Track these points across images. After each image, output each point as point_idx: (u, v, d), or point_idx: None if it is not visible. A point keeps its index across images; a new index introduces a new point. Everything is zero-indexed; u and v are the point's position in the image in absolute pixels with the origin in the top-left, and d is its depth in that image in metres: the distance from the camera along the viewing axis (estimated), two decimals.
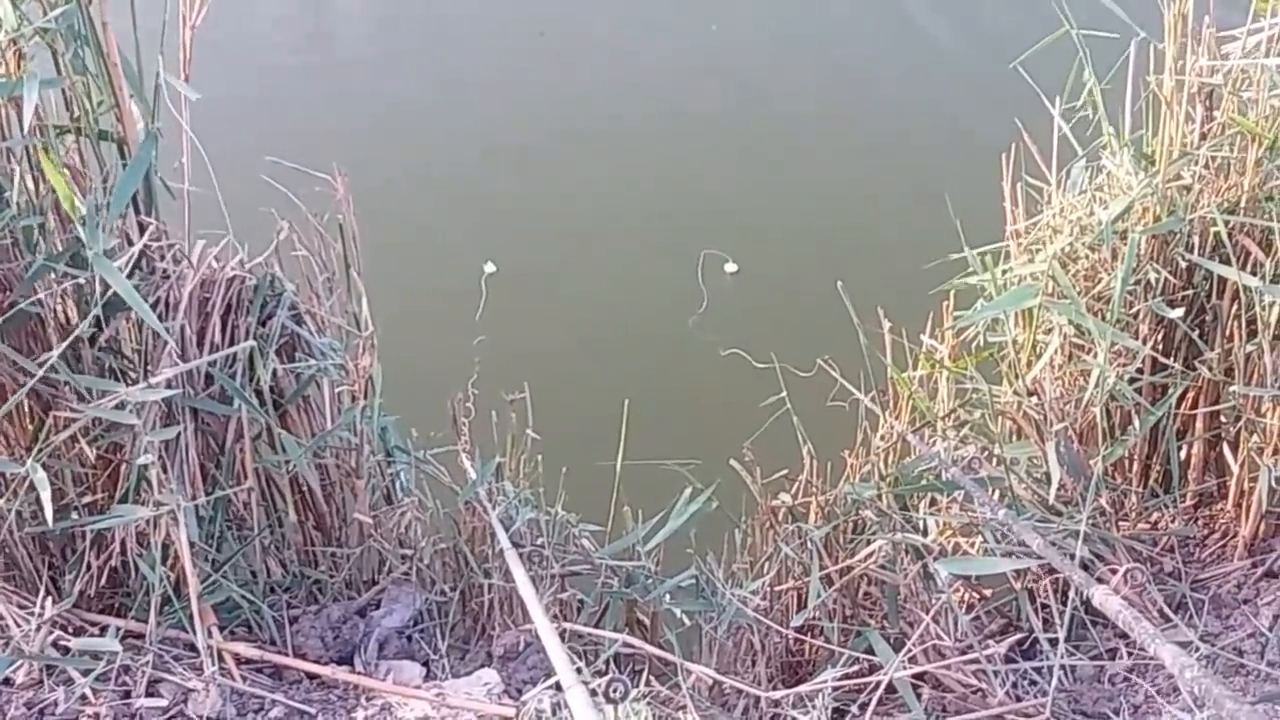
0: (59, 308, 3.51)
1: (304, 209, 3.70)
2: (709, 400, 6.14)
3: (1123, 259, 3.80)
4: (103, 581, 3.62)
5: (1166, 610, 3.84)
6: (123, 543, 3.50)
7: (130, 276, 3.28)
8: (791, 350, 4.24)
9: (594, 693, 2.95)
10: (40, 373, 3.26)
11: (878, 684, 3.35)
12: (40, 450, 3.33)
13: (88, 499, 3.64)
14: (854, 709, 3.53)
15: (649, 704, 2.99)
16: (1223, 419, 4.21)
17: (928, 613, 3.76)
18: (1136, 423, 4.08)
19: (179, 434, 3.50)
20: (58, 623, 3.48)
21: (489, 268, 6.95)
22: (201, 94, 3.45)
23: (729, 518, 4.20)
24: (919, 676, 3.73)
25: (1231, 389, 3.98)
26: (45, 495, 3.19)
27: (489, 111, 8.14)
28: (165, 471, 3.45)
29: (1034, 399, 3.99)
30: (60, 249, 3.39)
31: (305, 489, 3.92)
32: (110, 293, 3.25)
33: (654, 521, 4.03)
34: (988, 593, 4.20)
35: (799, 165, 7.74)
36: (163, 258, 3.49)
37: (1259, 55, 3.89)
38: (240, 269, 3.59)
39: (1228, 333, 4.00)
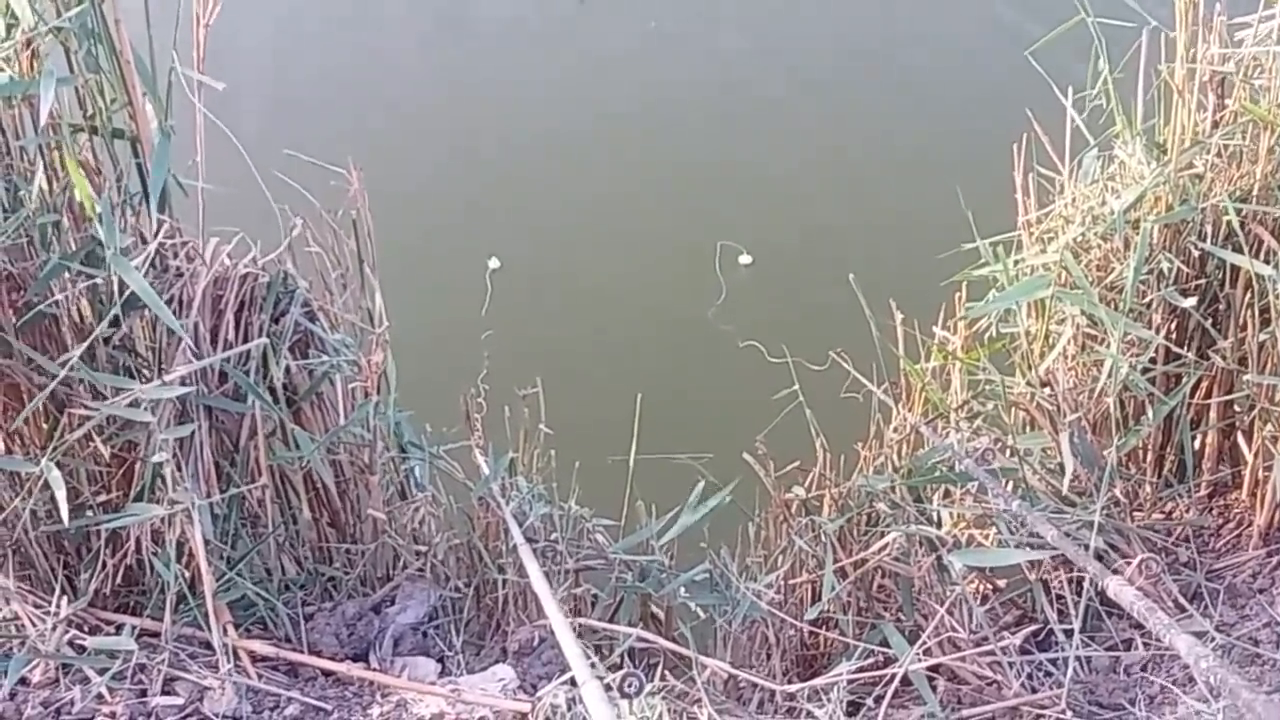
0: (73, 306, 3.52)
1: (317, 205, 3.70)
2: (721, 393, 6.14)
3: (1135, 248, 3.80)
4: (118, 580, 3.63)
5: (1181, 600, 3.84)
6: (138, 541, 3.50)
7: (144, 275, 3.28)
8: (805, 342, 4.25)
9: (609, 687, 2.96)
10: (63, 373, 3.27)
11: (893, 676, 3.35)
12: (55, 449, 3.34)
13: (102, 497, 3.65)
14: (869, 702, 3.53)
15: (664, 698, 2.99)
16: (1237, 408, 4.21)
17: (942, 605, 3.76)
18: (1150, 412, 4.08)
19: (193, 431, 3.50)
20: (73, 622, 3.48)
21: (493, 263, 6.95)
22: (219, 89, 3.45)
23: (743, 511, 4.20)
24: (934, 669, 3.73)
25: (1245, 378, 3.98)
26: (60, 494, 3.20)
27: (501, 105, 8.13)
28: (180, 469, 3.46)
29: (1047, 390, 3.99)
30: (74, 247, 3.40)
31: (319, 486, 3.92)
32: (128, 291, 3.25)
33: (668, 516, 4.03)
34: (1002, 584, 4.20)
35: (811, 157, 7.73)
36: (176, 255, 3.50)
37: (1271, 42, 3.88)
38: (253, 266, 3.59)
39: (1241, 321, 3.99)
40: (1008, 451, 4.02)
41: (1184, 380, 4.10)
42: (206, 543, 3.43)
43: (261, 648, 3.60)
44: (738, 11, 8.80)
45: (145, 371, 3.55)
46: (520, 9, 8.87)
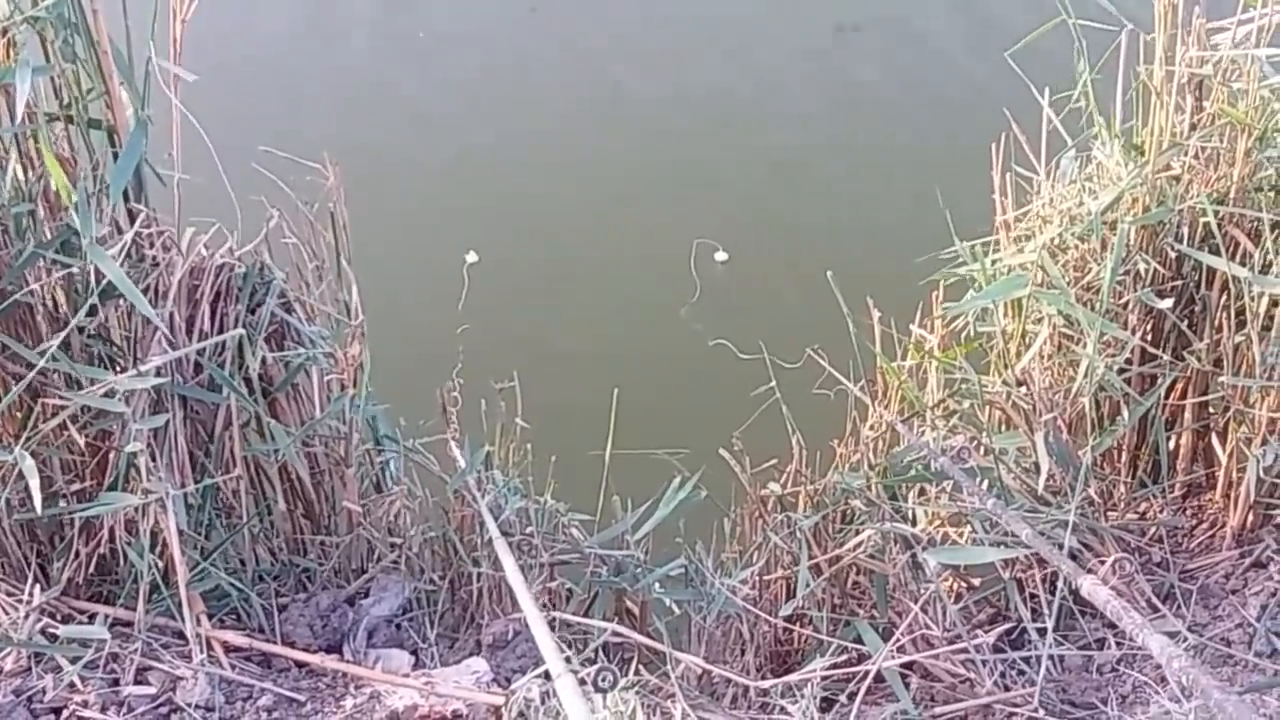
0: (48, 295, 3.51)
1: (294, 197, 3.70)
2: (698, 389, 6.14)
3: (1112, 249, 3.81)
4: (91, 569, 3.62)
5: (1155, 600, 3.85)
6: (111, 530, 3.49)
7: (120, 264, 3.27)
8: (781, 339, 4.25)
9: (583, 681, 2.95)
10: (41, 363, 3.26)
11: (866, 673, 3.36)
12: (29, 438, 3.33)
13: (76, 487, 3.64)
14: (842, 698, 3.53)
15: (637, 693, 2.99)
16: (1211, 409, 4.22)
17: (916, 602, 3.77)
18: (1125, 413, 4.09)
19: (168, 422, 3.50)
20: (46, 610, 3.47)
21: (471, 257, 6.94)
22: (193, 81, 3.44)
23: (718, 507, 4.21)
24: (907, 666, 3.74)
25: (1220, 379, 3.99)
26: (34, 483, 3.18)
27: (478, 100, 8.12)
28: (154, 459, 3.45)
29: (1023, 389, 3.99)
30: (50, 236, 3.39)
31: (294, 477, 3.92)
32: (105, 281, 3.24)
33: (643, 510, 4.03)
34: (976, 582, 4.20)
35: (789, 154, 7.74)
36: (152, 245, 3.49)
37: (1249, 46, 3.89)
38: (230, 256, 3.59)
39: (1217, 323, 4.01)
40: (983, 450, 4.03)
41: (1159, 381, 4.11)
42: (180, 533, 3.42)
43: (235, 638, 3.60)
44: (716, 9, 8.79)
45: (120, 361, 3.55)
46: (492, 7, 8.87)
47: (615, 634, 3.51)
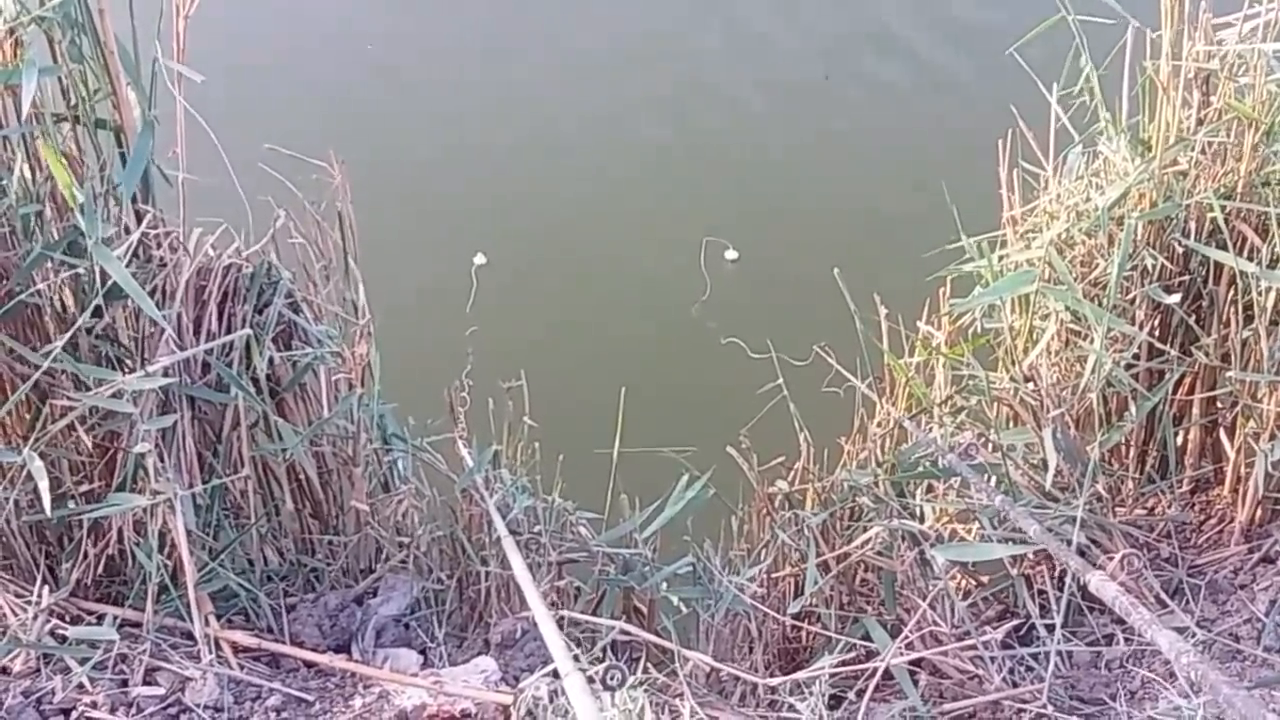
0: (55, 296, 3.51)
1: (301, 197, 3.70)
2: (706, 387, 6.13)
3: (1119, 245, 3.80)
4: (100, 570, 3.62)
5: (1163, 596, 3.85)
6: (120, 531, 3.50)
7: (127, 265, 3.28)
8: (791, 337, 4.24)
9: (591, 680, 2.96)
10: (46, 364, 3.26)
11: (875, 670, 3.35)
12: (37, 439, 3.33)
13: (85, 488, 3.64)
14: (851, 695, 3.53)
15: (646, 691, 2.99)
16: (1219, 404, 4.22)
17: (924, 599, 3.76)
18: (1133, 408, 4.09)
19: (176, 422, 3.50)
20: (55, 611, 3.48)
21: (479, 259, 6.94)
22: (200, 80, 3.44)
23: (726, 505, 4.20)
24: (916, 663, 3.73)
25: (1228, 374, 3.98)
26: (42, 484, 3.19)
27: (487, 102, 8.12)
28: (162, 460, 3.45)
29: (1030, 385, 3.99)
30: (57, 237, 3.39)
31: (302, 477, 3.92)
32: (110, 282, 3.24)
33: (651, 509, 4.03)
34: (984, 579, 4.20)
35: (798, 152, 7.73)
36: (159, 246, 3.49)
37: (1255, 40, 3.89)
38: (237, 257, 3.59)
39: (1224, 318, 4.00)
40: (991, 447, 4.03)
41: (1167, 376, 4.10)
42: (189, 533, 3.42)
43: (243, 638, 3.60)
44: (724, 8, 8.79)
45: (128, 362, 3.55)
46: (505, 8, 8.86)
47: (623, 632, 3.51)
